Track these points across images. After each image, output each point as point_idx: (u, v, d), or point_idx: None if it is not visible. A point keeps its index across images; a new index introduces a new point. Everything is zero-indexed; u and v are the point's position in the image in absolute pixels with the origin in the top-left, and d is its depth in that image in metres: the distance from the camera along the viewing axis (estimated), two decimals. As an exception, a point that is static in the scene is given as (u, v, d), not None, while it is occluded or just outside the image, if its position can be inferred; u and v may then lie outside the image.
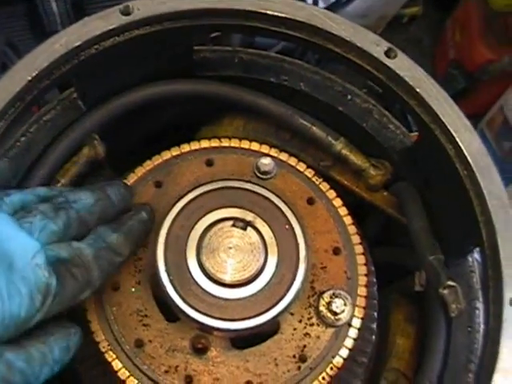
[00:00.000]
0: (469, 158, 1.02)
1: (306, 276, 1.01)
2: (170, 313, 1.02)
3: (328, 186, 1.11)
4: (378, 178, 1.18)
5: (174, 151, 1.13)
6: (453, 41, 2.31)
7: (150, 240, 1.04)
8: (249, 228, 1.02)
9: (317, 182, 1.11)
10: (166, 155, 1.13)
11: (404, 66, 1.07)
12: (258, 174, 1.10)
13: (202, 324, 0.98)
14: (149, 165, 1.12)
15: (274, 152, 1.13)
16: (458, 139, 1.03)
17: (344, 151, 1.19)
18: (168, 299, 0.99)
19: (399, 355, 1.14)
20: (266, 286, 1.00)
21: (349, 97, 1.21)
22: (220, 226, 1.02)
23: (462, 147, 1.02)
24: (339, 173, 1.23)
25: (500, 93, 2.15)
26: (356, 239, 1.07)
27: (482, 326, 1.09)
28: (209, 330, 0.99)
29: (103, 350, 1.00)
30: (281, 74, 1.23)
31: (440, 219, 1.12)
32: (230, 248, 1.00)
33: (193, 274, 0.99)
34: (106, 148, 1.19)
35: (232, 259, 0.99)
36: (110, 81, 1.16)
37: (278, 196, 1.05)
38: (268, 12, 1.09)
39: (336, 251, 1.06)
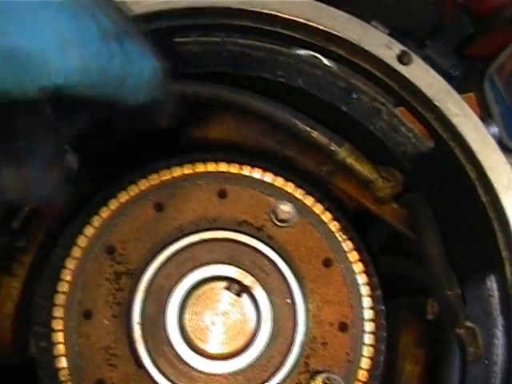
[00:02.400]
0: (493, 182, 0.89)
1: (298, 362, 0.90)
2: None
3: (351, 246, 0.98)
4: (386, 191, 1.05)
5: (186, 169, 0.98)
6: (461, -16, 2.10)
7: (138, 274, 0.92)
8: (244, 294, 0.89)
9: (339, 239, 0.97)
10: (176, 172, 0.98)
11: (420, 74, 0.92)
12: (275, 220, 0.96)
13: None
14: (154, 179, 0.98)
15: (298, 193, 0.99)
16: (480, 159, 0.90)
17: (349, 160, 1.04)
18: (137, 355, 0.89)
19: (408, 383, 1.06)
20: (249, 365, 0.89)
21: (354, 95, 1.06)
22: (212, 285, 0.90)
23: (486, 169, 0.90)
24: (343, 180, 1.09)
25: (511, 39, 1.99)
26: (369, 315, 0.95)
27: (500, 358, 0.99)
28: None
29: (63, 378, 0.92)
30: (276, 68, 1.06)
31: (455, 240, 1.00)
32: (218, 314, 0.88)
33: (169, 333, 0.88)
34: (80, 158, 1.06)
35: (217, 327, 0.88)
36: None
37: (286, 261, 0.91)
38: (258, 10, 0.93)
39: (342, 327, 0.94)
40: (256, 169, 0.98)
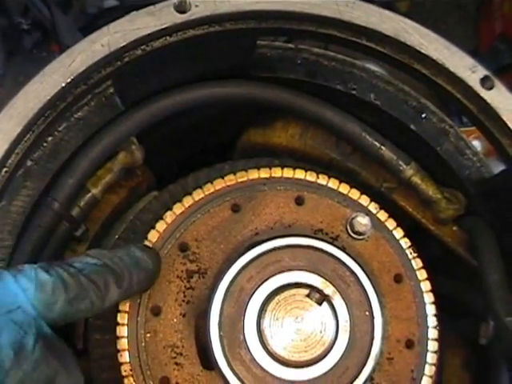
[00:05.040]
0: None
1: (371, 374, 0.89)
2: (209, 359, 0.89)
3: (421, 264, 0.96)
4: (449, 213, 1.05)
5: (263, 173, 0.96)
6: (500, 13, 2.13)
7: (210, 274, 0.91)
8: (324, 303, 0.88)
9: (410, 256, 0.96)
10: (253, 174, 0.96)
11: (502, 99, 0.92)
12: (350, 232, 0.94)
13: None
14: (231, 180, 0.96)
15: (372, 207, 0.97)
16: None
17: (414, 178, 1.04)
18: (211, 356, 0.87)
19: (454, 407, 1.06)
20: (324, 374, 0.87)
21: (423, 114, 1.06)
22: (293, 291, 0.87)
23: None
24: (404, 197, 1.09)
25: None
26: (434, 334, 0.94)
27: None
28: None
29: (124, 373, 0.90)
30: (349, 81, 1.06)
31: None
32: (298, 321, 0.86)
33: (247, 337, 0.86)
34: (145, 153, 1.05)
35: (296, 335, 0.86)
36: (155, 81, 1.00)
37: (366, 272, 0.89)
38: (347, 20, 0.93)
39: (409, 344, 0.93)
40: (332, 179, 0.97)
